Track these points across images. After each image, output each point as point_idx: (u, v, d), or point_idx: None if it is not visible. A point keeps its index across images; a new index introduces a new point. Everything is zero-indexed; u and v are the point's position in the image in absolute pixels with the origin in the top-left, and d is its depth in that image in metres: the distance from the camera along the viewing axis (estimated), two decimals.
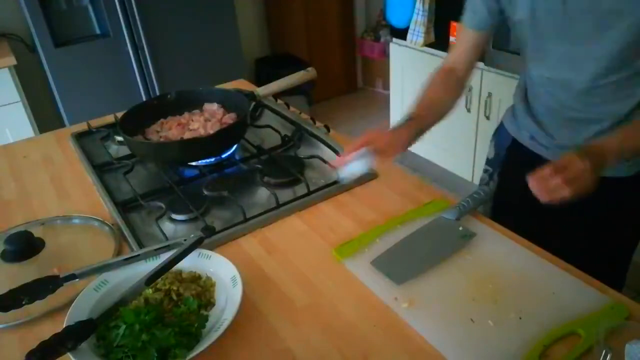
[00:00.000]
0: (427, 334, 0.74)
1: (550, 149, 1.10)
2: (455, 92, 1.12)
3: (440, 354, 0.71)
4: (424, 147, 2.81)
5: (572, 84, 0.99)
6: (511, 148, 1.21)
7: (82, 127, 1.47)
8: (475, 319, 0.75)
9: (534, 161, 0.98)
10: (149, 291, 0.81)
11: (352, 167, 0.98)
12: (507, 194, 1.17)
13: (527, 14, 0.97)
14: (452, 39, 2.36)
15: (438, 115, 1.08)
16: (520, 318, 0.75)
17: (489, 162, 1.30)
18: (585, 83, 0.97)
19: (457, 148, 2.57)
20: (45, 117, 2.75)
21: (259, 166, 1.18)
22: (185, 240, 0.87)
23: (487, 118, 2.34)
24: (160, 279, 0.82)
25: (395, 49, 2.75)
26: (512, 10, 1.00)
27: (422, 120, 1.03)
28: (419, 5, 2.36)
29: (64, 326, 0.72)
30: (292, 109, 1.46)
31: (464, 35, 1.11)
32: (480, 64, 2.28)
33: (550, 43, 0.98)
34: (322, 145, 1.26)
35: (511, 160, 1.22)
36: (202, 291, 0.82)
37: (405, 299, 0.80)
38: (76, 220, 1.05)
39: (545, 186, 0.80)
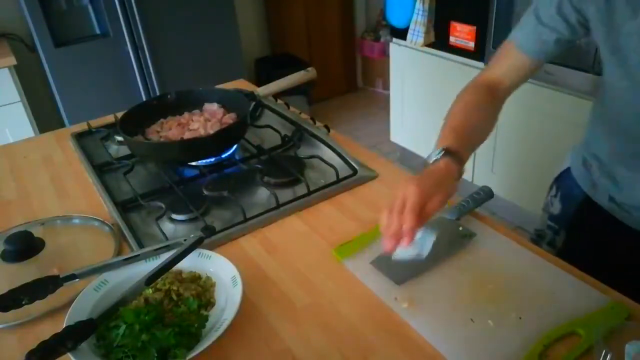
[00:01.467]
0: (427, 334, 0.74)
1: (634, 214, 0.92)
2: (497, 112, 0.92)
3: (440, 354, 0.71)
4: (424, 147, 2.81)
5: None
6: (583, 204, 1.00)
7: (82, 127, 1.47)
8: (475, 318, 0.75)
9: (611, 223, 0.90)
10: (149, 291, 0.81)
11: (408, 251, 0.75)
12: (576, 254, 0.91)
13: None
14: (452, 39, 2.37)
15: (477, 144, 0.88)
16: (520, 318, 0.75)
17: (553, 218, 1.08)
18: None
19: None
20: (45, 117, 2.75)
21: (259, 166, 1.18)
22: (185, 240, 0.87)
23: None
24: (160, 279, 0.82)
25: (395, 49, 2.75)
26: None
27: (461, 154, 0.80)
28: (419, 5, 2.37)
29: (64, 326, 0.72)
30: (292, 109, 1.46)
31: (514, 55, 0.90)
32: (480, 64, 2.28)
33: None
34: (322, 145, 1.26)
35: (583, 219, 1.02)
36: (202, 291, 0.82)
37: (405, 299, 0.80)
38: (76, 220, 1.05)
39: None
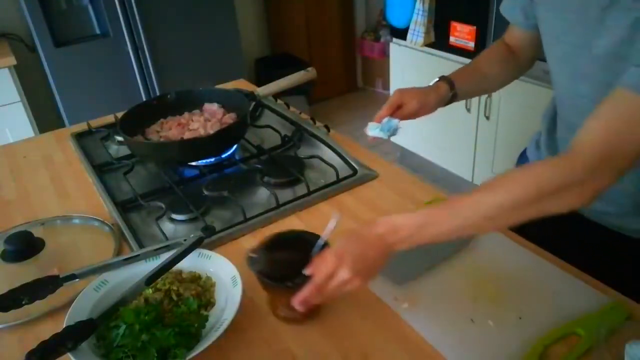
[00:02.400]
0: (427, 334, 0.74)
1: None
2: (511, 68, 1.02)
3: (440, 354, 0.71)
4: (424, 147, 2.81)
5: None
6: None
7: (82, 127, 1.47)
8: (475, 319, 0.75)
9: (571, 217, 0.92)
10: (149, 291, 0.81)
11: (380, 128, 0.99)
12: (533, 241, 0.93)
13: None
14: (452, 39, 2.36)
15: (480, 87, 1.03)
16: (520, 318, 0.75)
17: None
18: None
19: (457, 148, 2.57)
20: (45, 117, 2.75)
21: (259, 166, 1.18)
22: (185, 240, 0.87)
23: (487, 118, 2.34)
24: (160, 279, 0.82)
25: (395, 49, 2.75)
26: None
27: (458, 84, 0.98)
28: (419, 5, 2.36)
29: (64, 326, 0.72)
30: (292, 109, 1.46)
31: (513, 30, 1.01)
32: None
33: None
34: (322, 145, 1.26)
35: None
36: (202, 291, 0.82)
37: (405, 299, 0.80)
38: (76, 220, 1.05)
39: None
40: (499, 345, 0.71)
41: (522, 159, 1.14)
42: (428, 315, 0.77)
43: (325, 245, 0.77)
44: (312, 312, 0.79)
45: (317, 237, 0.78)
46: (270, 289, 0.77)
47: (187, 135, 1.21)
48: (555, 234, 0.88)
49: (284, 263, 0.78)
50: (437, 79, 1.00)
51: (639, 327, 0.71)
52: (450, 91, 0.98)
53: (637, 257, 0.91)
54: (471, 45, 2.29)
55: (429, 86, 0.98)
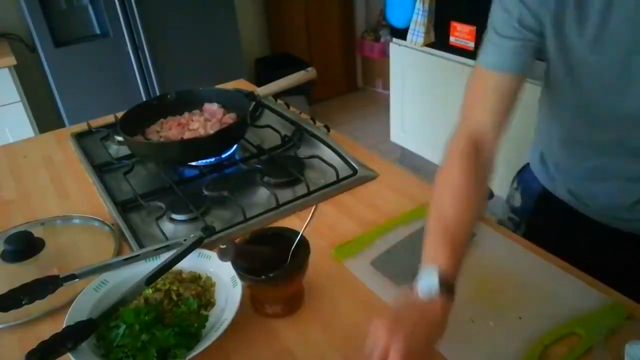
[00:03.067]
0: None
1: (593, 207, 0.93)
2: (485, 184, 0.79)
3: (440, 354, 0.71)
4: (424, 147, 2.81)
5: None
6: (542, 198, 1.02)
7: (82, 127, 1.47)
8: (475, 319, 0.75)
9: (571, 215, 0.91)
10: (149, 291, 0.81)
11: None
12: (538, 245, 0.91)
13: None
14: (452, 39, 2.37)
15: (469, 239, 0.74)
16: (520, 318, 0.75)
17: (515, 210, 1.10)
18: None
19: None
20: (45, 117, 2.75)
21: (259, 166, 1.18)
22: (185, 240, 0.87)
23: None
24: (160, 279, 0.82)
25: (395, 49, 2.75)
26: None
27: (456, 272, 0.68)
28: (419, 5, 2.36)
29: (64, 326, 0.72)
30: (292, 109, 1.46)
31: (492, 81, 0.80)
32: None
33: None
34: (322, 145, 1.26)
35: (542, 212, 1.03)
36: (202, 291, 0.82)
37: None
38: (76, 220, 1.05)
39: None
40: (500, 345, 0.71)
41: (527, 177, 1.06)
42: None
43: (302, 238, 0.79)
44: (294, 308, 0.80)
45: (298, 233, 0.79)
46: (250, 284, 0.78)
47: (187, 135, 1.21)
48: (559, 234, 0.88)
49: (263, 258, 0.78)
50: (439, 285, 0.65)
51: (639, 327, 0.71)
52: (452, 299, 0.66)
53: (638, 256, 0.92)
54: (471, 45, 2.29)
55: (435, 313, 0.64)
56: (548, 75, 0.85)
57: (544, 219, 1.03)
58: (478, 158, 0.78)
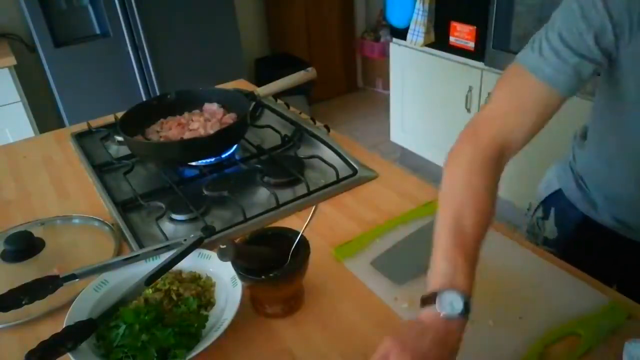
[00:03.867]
0: None
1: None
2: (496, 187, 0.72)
3: None
4: (424, 147, 2.81)
5: None
6: (582, 226, 0.97)
7: (82, 127, 1.47)
8: (475, 318, 0.75)
9: (615, 240, 0.88)
10: (149, 291, 0.81)
11: None
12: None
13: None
14: (452, 39, 2.37)
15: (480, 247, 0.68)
16: (520, 318, 0.75)
17: (549, 242, 1.04)
18: None
19: None
20: (45, 117, 2.75)
21: (259, 166, 1.18)
22: (185, 240, 0.87)
23: None
24: (160, 279, 0.82)
25: (395, 49, 2.75)
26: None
27: (472, 285, 0.64)
28: (419, 5, 2.37)
29: (64, 326, 0.72)
30: (292, 109, 1.46)
31: (533, 89, 0.72)
32: (480, 64, 2.28)
33: None
34: (322, 145, 1.26)
35: (582, 240, 0.98)
36: (202, 291, 0.82)
37: (406, 299, 0.80)
38: (76, 220, 1.05)
39: None
40: (500, 345, 0.71)
41: (560, 204, 1.00)
42: None
43: (302, 238, 0.79)
44: (294, 308, 0.80)
45: (298, 233, 0.79)
46: (250, 284, 0.78)
47: (187, 135, 1.21)
48: (599, 259, 0.86)
49: (263, 258, 0.78)
50: (460, 304, 0.61)
51: (639, 327, 0.71)
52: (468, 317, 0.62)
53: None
54: (471, 45, 2.29)
55: (453, 337, 0.61)
56: (610, 94, 0.77)
57: (583, 244, 0.98)
58: (500, 166, 0.73)
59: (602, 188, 0.92)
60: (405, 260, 0.88)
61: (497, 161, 0.72)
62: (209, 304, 0.81)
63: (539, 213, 1.08)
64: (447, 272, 0.63)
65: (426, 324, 0.60)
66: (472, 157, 0.71)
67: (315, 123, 1.35)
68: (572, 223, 0.99)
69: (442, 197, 0.71)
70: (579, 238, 0.99)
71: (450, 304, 0.60)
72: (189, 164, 1.20)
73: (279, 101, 1.51)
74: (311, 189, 1.08)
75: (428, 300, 0.61)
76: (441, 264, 0.64)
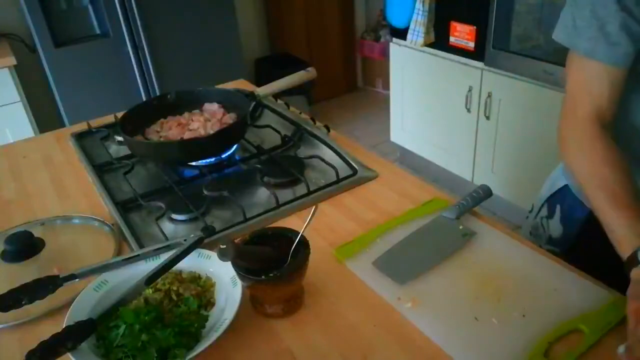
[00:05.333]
0: (431, 334, 0.74)
1: None
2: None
3: (445, 353, 0.71)
4: (424, 147, 2.81)
5: None
6: (587, 223, 0.96)
7: (82, 127, 1.47)
8: (479, 317, 0.75)
9: None
10: (149, 291, 0.81)
11: None
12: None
13: None
14: (452, 39, 2.37)
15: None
16: (524, 316, 0.75)
17: (554, 241, 1.05)
18: None
19: (457, 148, 2.57)
20: (45, 117, 2.75)
21: (259, 166, 1.18)
22: (185, 240, 0.87)
23: (487, 118, 2.34)
24: (160, 279, 0.82)
25: (395, 49, 2.75)
26: None
27: None
28: (419, 5, 2.37)
29: (64, 326, 0.72)
30: (292, 109, 1.46)
31: (599, 71, 0.81)
32: (480, 64, 2.28)
33: None
34: (322, 145, 1.26)
35: (587, 237, 0.96)
36: (202, 291, 0.82)
37: (408, 299, 0.79)
38: (76, 220, 1.05)
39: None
40: (504, 343, 0.71)
41: (566, 200, 1.01)
42: (432, 315, 0.76)
43: (302, 238, 0.79)
44: (294, 308, 0.80)
45: (298, 233, 0.79)
46: (250, 284, 0.77)
47: (187, 135, 1.21)
48: (603, 257, 0.85)
49: (263, 258, 0.78)
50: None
51: None
52: None
53: None
54: (471, 45, 2.29)
55: None
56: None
57: (589, 243, 0.96)
58: (606, 131, 0.81)
59: None
60: (407, 260, 0.88)
61: (607, 134, 0.81)
62: (209, 304, 0.81)
63: (544, 212, 1.08)
64: (634, 233, 0.71)
65: None
66: (594, 145, 0.81)
67: (315, 123, 1.35)
68: (578, 220, 0.99)
69: (582, 180, 0.81)
70: (584, 235, 0.99)
71: None
72: (189, 164, 1.20)
73: (279, 101, 1.51)
74: (311, 189, 1.08)
75: (633, 262, 0.69)
76: (621, 230, 0.73)
